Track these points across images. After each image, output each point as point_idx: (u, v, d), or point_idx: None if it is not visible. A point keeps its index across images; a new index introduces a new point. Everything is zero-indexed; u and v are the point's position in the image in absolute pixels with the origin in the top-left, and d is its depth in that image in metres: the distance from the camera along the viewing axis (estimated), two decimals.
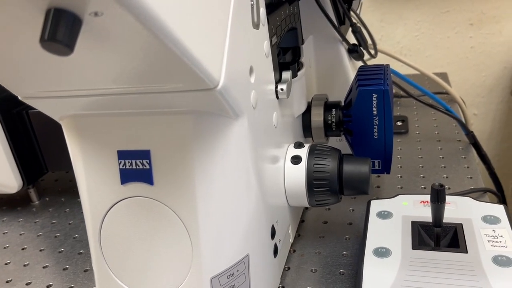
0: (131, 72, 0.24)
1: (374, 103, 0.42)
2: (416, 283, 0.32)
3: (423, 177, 0.54)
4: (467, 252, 0.35)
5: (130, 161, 0.30)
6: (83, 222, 0.35)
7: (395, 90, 0.65)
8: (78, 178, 0.32)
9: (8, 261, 0.48)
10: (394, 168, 0.56)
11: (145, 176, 0.30)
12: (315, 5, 0.45)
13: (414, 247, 0.36)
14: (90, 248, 0.34)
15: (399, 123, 0.67)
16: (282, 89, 0.37)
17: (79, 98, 0.28)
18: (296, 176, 0.38)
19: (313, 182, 0.38)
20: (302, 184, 0.38)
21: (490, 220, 0.38)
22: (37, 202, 0.60)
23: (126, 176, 0.30)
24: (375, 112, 0.42)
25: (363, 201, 0.47)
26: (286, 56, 0.43)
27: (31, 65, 0.24)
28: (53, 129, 0.50)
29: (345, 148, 0.45)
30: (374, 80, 0.42)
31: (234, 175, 0.31)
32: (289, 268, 0.41)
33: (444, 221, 0.36)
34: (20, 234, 0.53)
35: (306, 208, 0.50)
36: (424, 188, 0.51)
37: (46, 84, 0.26)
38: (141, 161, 0.30)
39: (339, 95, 0.49)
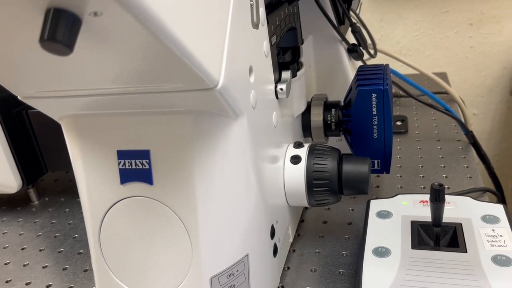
0: (131, 72, 0.24)
1: (374, 103, 0.42)
2: (416, 282, 0.32)
3: (423, 176, 0.54)
4: (466, 252, 0.35)
5: (129, 161, 0.30)
6: (83, 222, 0.35)
7: (394, 90, 0.65)
8: (77, 178, 0.32)
9: (8, 261, 0.48)
10: (393, 167, 0.56)
11: (145, 176, 0.30)
12: (315, 5, 0.45)
13: (414, 246, 0.36)
14: (89, 248, 0.34)
15: (398, 123, 0.67)
16: (281, 89, 0.37)
17: (78, 98, 0.28)
18: (296, 176, 0.38)
19: (313, 182, 0.38)
20: (302, 184, 0.38)
21: (489, 219, 0.38)
22: (36, 202, 0.60)
23: (126, 176, 0.30)
24: (374, 112, 0.42)
25: (363, 201, 0.47)
26: (286, 56, 0.43)
27: (30, 65, 0.24)
28: (53, 129, 0.50)
29: (345, 148, 0.45)
30: (373, 80, 0.42)
31: (233, 175, 0.31)
32: (288, 268, 0.41)
33: (444, 220, 0.36)
34: (20, 234, 0.53)
35: (306, 208, 0.50)
36: (424, 187, 0.51)
37: (46, 84, 0.26)
38: (140, 161, 0.30)
39: (338, 95, 0.49)
